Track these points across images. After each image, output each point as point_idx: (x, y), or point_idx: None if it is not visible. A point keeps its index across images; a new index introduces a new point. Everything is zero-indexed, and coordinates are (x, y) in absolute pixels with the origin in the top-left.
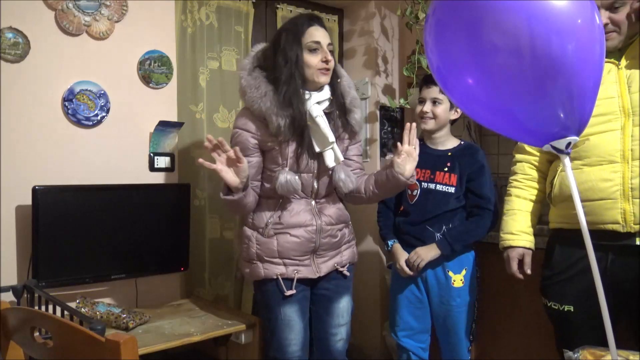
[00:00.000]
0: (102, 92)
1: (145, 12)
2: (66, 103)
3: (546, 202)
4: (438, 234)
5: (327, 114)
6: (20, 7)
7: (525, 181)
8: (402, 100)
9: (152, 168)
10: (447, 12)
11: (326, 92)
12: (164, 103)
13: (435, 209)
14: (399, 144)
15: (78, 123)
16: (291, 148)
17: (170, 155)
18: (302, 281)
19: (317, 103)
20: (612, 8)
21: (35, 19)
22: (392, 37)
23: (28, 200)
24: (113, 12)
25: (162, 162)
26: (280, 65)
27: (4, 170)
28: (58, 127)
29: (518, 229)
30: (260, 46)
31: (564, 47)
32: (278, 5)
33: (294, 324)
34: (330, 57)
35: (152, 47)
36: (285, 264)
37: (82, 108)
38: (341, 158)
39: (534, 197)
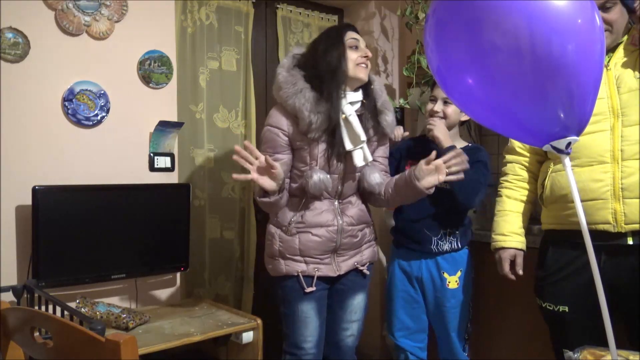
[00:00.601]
0: (102, 92)
1: (145, 12)
2: (66, 103)
3: (537, 202)
4: (435, 238)
5: (359, 116)
6: (20, 7)
7: (516, 182)
8: (402, 101)
9: (152, 168)
10: (447, 12)
11: (359, 95)
12: (164, 103)
13: (432, 206)
14: (434, 153)
15: (78, 123)
16: (320, 148)
17: (170, 155)
18: (322, 279)
19: (349, 103)
20: (604, 8)
21: (35, 19)
22: (392, 37)
23: (28, 200)
24: (113, 12)
25: (162, 162)
26: (324, 61)
27: (4, 170)
28: (58, 127)
29: (509, 230)
30: (299, 48)
31: (564, 47)
32: (278, 5)
33: (309, 321)
34: (369, 53)
35: (152, 47)
36: (306, 262)
37: (82, 108)
38: (370, 158)
39: (524, 198)
